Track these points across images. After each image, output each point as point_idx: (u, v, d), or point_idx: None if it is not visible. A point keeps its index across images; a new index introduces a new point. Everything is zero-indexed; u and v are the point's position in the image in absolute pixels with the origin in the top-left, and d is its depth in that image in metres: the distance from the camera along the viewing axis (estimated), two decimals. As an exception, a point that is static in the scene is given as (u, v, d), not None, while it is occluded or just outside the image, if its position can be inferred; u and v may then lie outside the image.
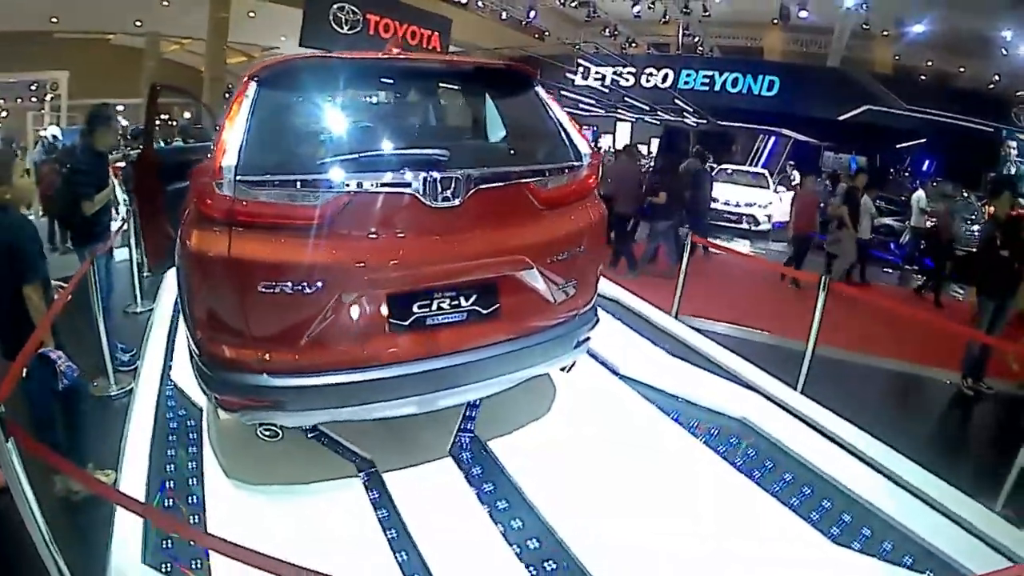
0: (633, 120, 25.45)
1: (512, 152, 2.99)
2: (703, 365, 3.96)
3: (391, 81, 3.19)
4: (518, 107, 3.04)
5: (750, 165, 18.61)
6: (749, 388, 3.63)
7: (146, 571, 2.17)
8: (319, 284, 2.26)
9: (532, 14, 21.07)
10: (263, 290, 2.23)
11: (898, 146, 20.93)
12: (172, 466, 2.76)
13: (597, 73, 23.32)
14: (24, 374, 2.86)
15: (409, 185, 2.33)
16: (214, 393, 2.48)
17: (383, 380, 2.41)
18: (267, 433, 2.63)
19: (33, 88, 22.46)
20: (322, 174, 2.30)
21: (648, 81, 22.70)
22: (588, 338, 3.00)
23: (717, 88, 21.24)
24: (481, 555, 2.32)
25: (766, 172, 14.37)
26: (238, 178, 2.22)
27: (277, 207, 2.26)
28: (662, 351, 4.16)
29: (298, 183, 2.27)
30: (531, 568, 2.25)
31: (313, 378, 2.36)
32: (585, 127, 28.84)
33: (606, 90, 23.20)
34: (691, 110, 21.98)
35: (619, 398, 3.51)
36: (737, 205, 12.38)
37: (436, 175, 2.35)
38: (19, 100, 22.96)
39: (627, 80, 22.84)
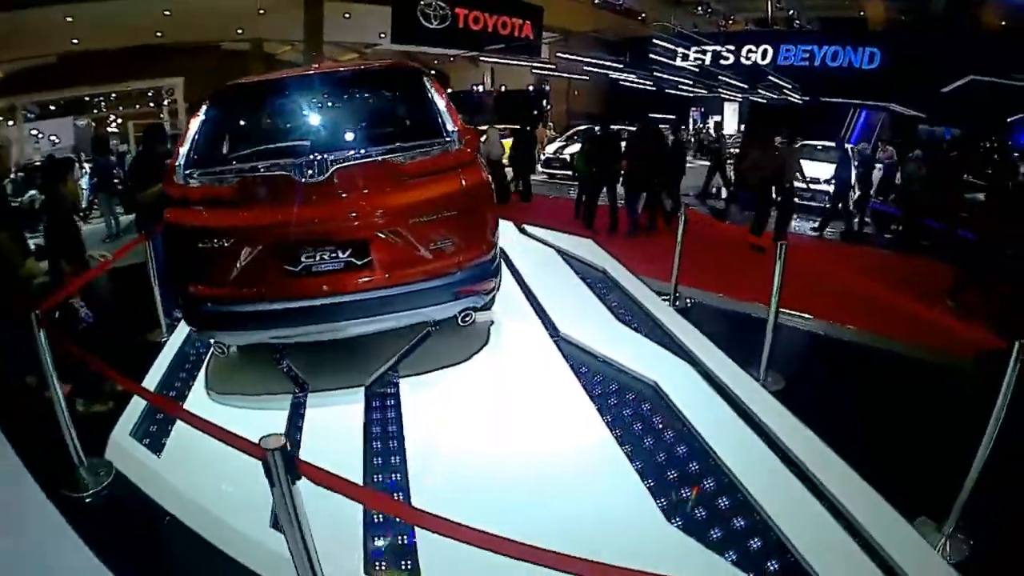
0: (739, 99, 24.57)
1: (377, 135, 3.54)
2: (655, 336, 4.16)
3: (299, 93, 3.91)
4: (401, 98, 3.78)
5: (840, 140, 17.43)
6: (690, 362, 3.74)
7: (132, 442, 3.33)
8: (231, 240, 3.15)
9: None
10: (200, 245, 3.18)
11: (1009, 119, 18.74)
12: (178, 378, 4.01)
13: (698, 52, 22.69)
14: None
15: (282, 168, 3.13)
16: (186, 321, 3.57)
17: (284, 311, 3.24)
18: (218, 349, 3.61)
19: (150, 95, 25.23)
20: (229, 165, 3.30)
21: (748, 58, 21.84)
22: (476, 292, 3.45)
23: (817, 63, 20.11)
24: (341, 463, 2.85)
25: (850, 147, 13.50)
26: (185, 171, 3.25)
27: (205, 189, 3.26)
28: (615, 318, 4.43)
29: (213, 172, 3.26)
30: (373, 476, 2.86)
31: (237, 307, 3.27)
32: (693, 108, 28.32)
33: (697, 70, 22.55)
34: (789, 87, 20.95)
35: (540, 353, 3.86)
36: (810, 181, 11.68)
37: (301, 159, 3.10)
38: (137, 107, 25.83)
39: (726, 59, 22.11)
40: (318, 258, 3.18)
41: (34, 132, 23.20)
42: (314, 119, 3.79)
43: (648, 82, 23.62)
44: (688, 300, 5.40)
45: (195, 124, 3.41)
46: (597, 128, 10.82)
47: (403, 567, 2.35)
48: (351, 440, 3.13)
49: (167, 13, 18.37)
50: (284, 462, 1.72)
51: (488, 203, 3.55)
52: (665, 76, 22.92)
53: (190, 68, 22.64)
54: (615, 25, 24.62)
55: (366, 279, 3.24)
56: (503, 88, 30.12)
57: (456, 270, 3.36)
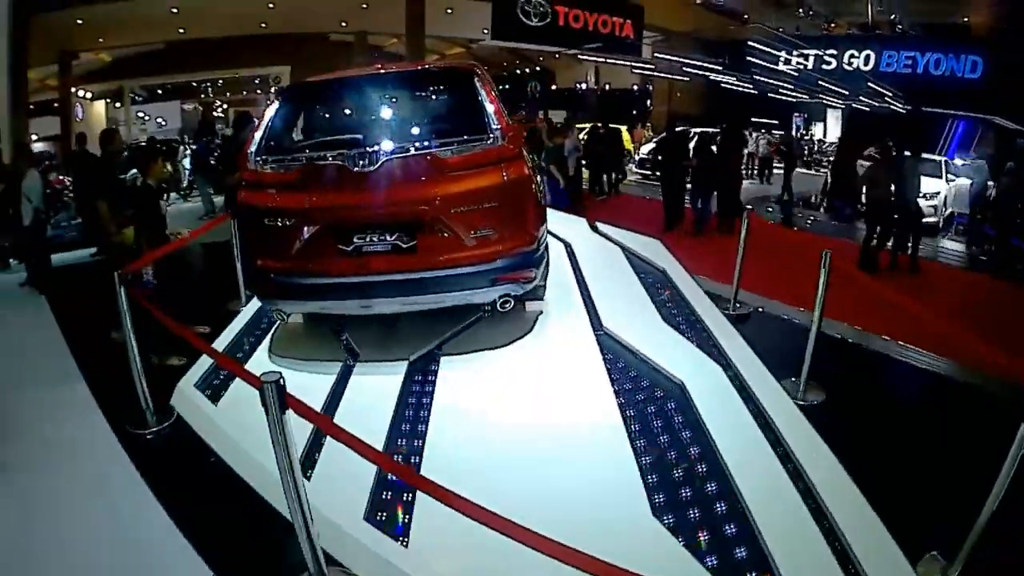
0: (841, 106, 23.25)
1: (427, 130, 3.74)
2: (696, 339, 4.11)
3: (359, 91, 4.22)
4: (452, 97, 4.01)
5: (938, 152, 16.12)
6: (724, 367, 3.69)
7: (195, 392, 3.73)
8: (293, 220, 3.49)
9: None
10: (266, 223, 3.54)
11: None
12: (247, 341, 4.42)
13: (799, 56, 21.66)
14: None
15: (338, 158, 3.41)
16: (253, 290, 3.97)
17: (337, 286, 3.56)
18: (279, 316, 3.93)
19: (256, 82, 26.70)
20: (292, 154, 3.61)
21: (850, 64, 20.60)
22: (516, 280, 3.58)
23: (920, 70, 18.72)
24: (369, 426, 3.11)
25: (943, 160, 12.51)
26: (256, 158, 3.60)
27: (272, 174, 3.59)
28: (661, 317, 4.40)
29: (280, 160, 3.59)
30: (394, 456, 2.98)
31: (295, 279, 3.59)
32: (796, 114, 27.05)
33: (796, 74, 21.50)
34: (890, 95, 19.60)
35: (579, 345, 3.91)
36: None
37: (355, 151, 3.38)
38: (244, 93, 27.42)
39: (829, 63, 20.96)
40: (368, 240, 3.47)
41: (140, 114, 25.25)
42: (370, 115, 4.08)
43: (748, 85, 22.77)
44: (750, 307, 5.25)
45: (268, 115, 3.78)
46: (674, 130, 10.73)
47: (399, 521, 2.53)
48: (384, 407, 3.35)
49: (271, 6, 19.24)
50: (277, 394, 1.97)
51: (529, 197, 3.67)
52: (765, 80, 21.99)
53: (297, 57, 23.59)
54: (716, 26, 23.82)
55: (410, 261, 3.48)
56: (607, 86, 29.94)
57: (496, 258, 3.52)
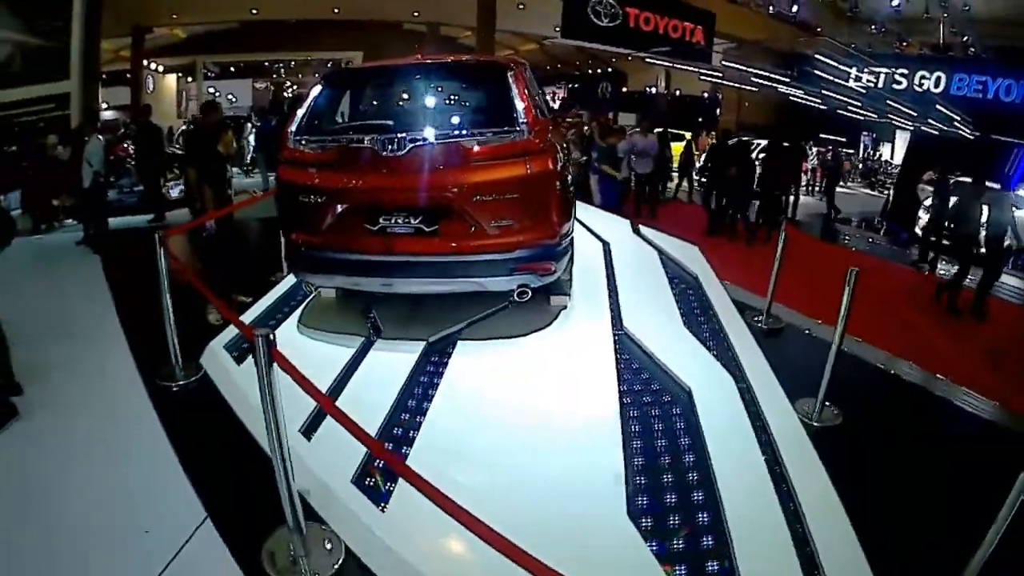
0: (910, 127, 22.18)
1: (455, 121, 3.83)
2: (714, 348, 4.07)
3: (397, 79, 4.41)
4: (484, 90, 4.05)
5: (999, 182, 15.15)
6: (736, 379, 3.63)
7: (224, 352, 3.97)
8: (324, 198, 3.66)
9: (795, 8, 19.71)
10: (300, 199, 3.74)
11: None
12: (280, 310, 4.65)
13: (869, 73, 20.78)
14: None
15: (367, 142, 3.58)
16: (286, 261, 4.17)
17: (361, 262, 3.72)
18: (308, 288, 4.19)
19: (329, 65, 27.24)
20: (328, 136, 3.78)
21: (920, 85, 19.65)
22: (533, 271, 3.65)
23: (990, 95, 17.67)
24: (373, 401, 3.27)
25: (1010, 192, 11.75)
26: (295, 137, 3.78)
27: (309, 153, 3.76)
28: (683, 323, 4.36)
29: (317, 140, 3.75)
30: (393, 430, 3.12)
31: (324, 254, 3.78)
32: (864, 132, 25.96)
33: (864, 91, 20.62)
34: (958, 119, 18.59)
35: (595, 342, 3.92)
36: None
37: (384, 136, 3.53)
38: (316, 75, 28.02)
39: (899, 83, 20.03)
40: (393, 221, 3.61)
41: (211, 90, 26.21)
42: (404, 103, 4.25)
43: (817, 99, 22.00)
44: (783, 322, 5.12)
45: (309, 98, 3.97)
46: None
47: (383, 489, 2.64)
48: (394, 382, 3.47)
49: (344, -8, 19.79)
50: (266, 347, 2.08)
51: (551, 191, 3.69)
52: (833, 95, 21.18)
53: (370, 43, 24.14)
54: (787, 36, 23.09)
55: (432, 245, 3.60)
56: (677, 92, 29.49)
57: (515, 248, 3.59)
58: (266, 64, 27.58)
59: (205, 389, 3.70)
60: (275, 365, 2.09)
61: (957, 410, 4.04)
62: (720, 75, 22.37)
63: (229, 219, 7.11)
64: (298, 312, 4.47)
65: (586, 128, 11.82)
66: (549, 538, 1.78)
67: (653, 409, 3.30)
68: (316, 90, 3.99)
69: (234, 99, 26.24)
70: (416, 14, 23.26)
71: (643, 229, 7.11)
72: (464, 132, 3.62)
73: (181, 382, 3.80)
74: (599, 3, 14.39)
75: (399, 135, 3.51)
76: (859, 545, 2.41)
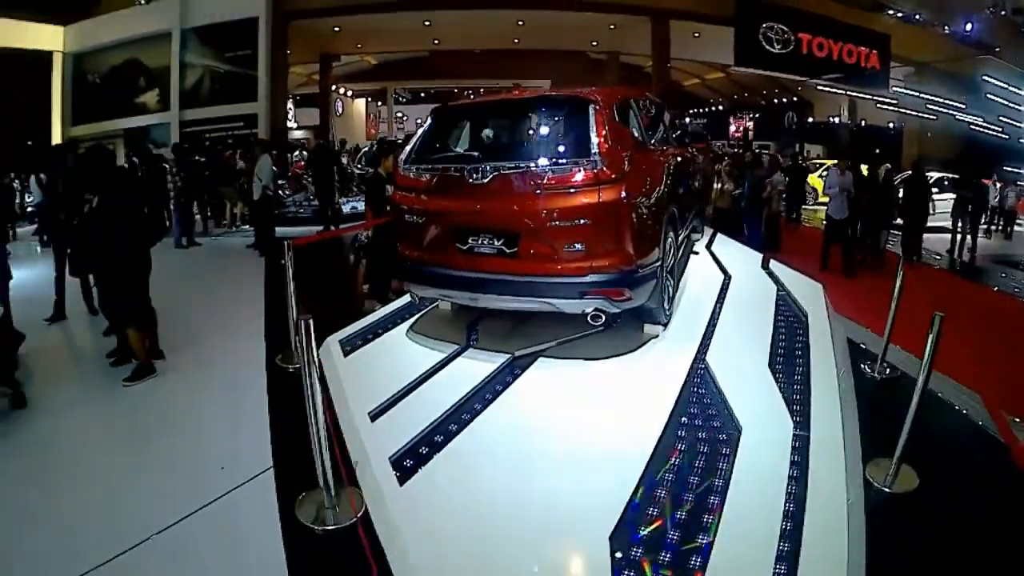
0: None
1: (535, 151, 4.17)
2: (790, 391, 3.81)
3: (489, 114, 4.98)
4: (565, 123, 4.26)
5: None
6: (799, 427, 3.37)
7: (337, 345, 4.67)
8: (424, 218, 4.23)
9: (969, 26, 17.34)
10: (406, 218, 4.35)
11: None
12: (399, 315, 5.30)
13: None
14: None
15: (457, 171, 4.07)
16: (395, 271, 4.79)
17: (451, 277, 4.18)
18: (413, 298, 4.81)
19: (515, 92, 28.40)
20: (427, 164, 4.31)
21: None
22: (605, 296, 3.84)
23: None
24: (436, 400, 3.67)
25: None
26: (404, 165, 4.40)
27: (414, 178, 4.33)
28: (768, 361, 4.19)
29: (418, 168, 4.31)
30: (448, 425, 3.43)
31: (423, 268, 4.31)
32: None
33: None
34: None
35: (669, 371, 3.96)
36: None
37: (471, 166, 3.99)
38: None
39: None
40: (479, 242, 4.04)
41: (399, 114, 28.55)
42: (492, 135, 4.73)
43: (996, 128, 18.95)
44: (900, 371, 4.45)
45: (419, 131, 4.60)
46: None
47: (412, 470, 3.02)
48: (464, 387, 3.82)
49: (521, 23, 20.78)
50: (305, 329, 2.59)
51: (625, 220, 3.85)
52: (1014, 123, 18.17)
53: (555, 72, 25.08)
54: (965, 58, 20.20)
55: (512, 265, 3.96)
56: (862, 123, 27.20)
57: (586, 273, 3.82)
58: (455, 91, 29.79)
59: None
60: (314, 344, 2.57)
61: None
62: (895, 102, 20.23)
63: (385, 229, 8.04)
64: (412, 320, 5.07)
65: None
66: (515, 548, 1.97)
67: (703, 446, 3.24)
68: (426, 123, 4.56)
69: (421, 123, 28.70)
70: (595, 43, 23.99)
71: (773, 264, 6.84)
72: (541, 162, 3.91)
73: (296, 365, 4.42)
74: (771, 29, 13.88)
75: (484, 165, 3.95)
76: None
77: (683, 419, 3.49)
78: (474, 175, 3.93)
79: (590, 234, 3.79)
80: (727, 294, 5.61)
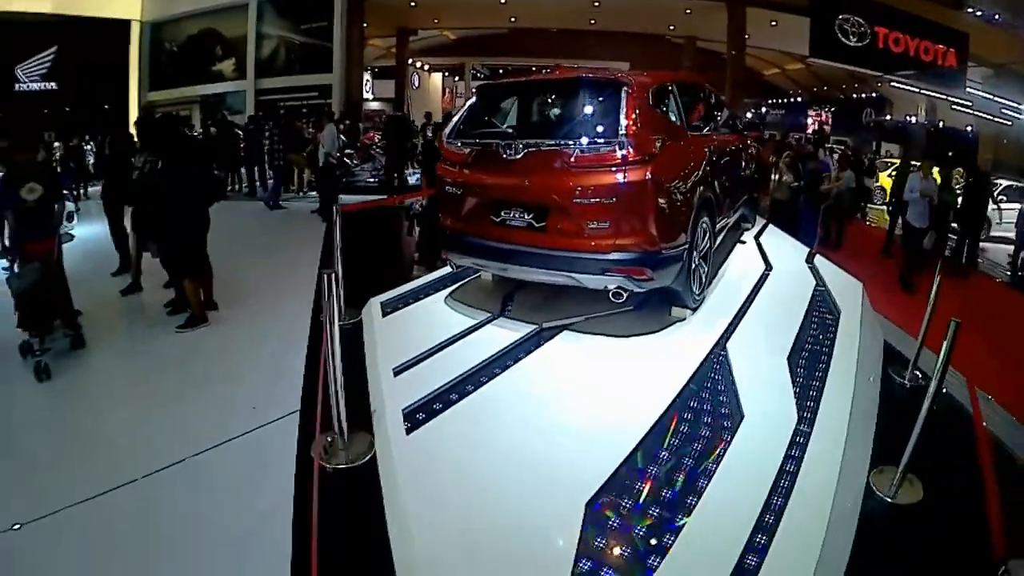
0: None
1: (567, 131, 4.24)
2: (804, 385, 3.77)
3: (527, 92, 5.07)
4: (599, 104, 4.28)
5: None
6: (801, 421, 3.36)
7: (378, 307, 4.96)
8: (462, 190, 4.44)
9: None
10: (447, 189, 4.55)
11: None
12: (441, 282, 5.48)
13: None
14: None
15: (495, 147, 4.21)
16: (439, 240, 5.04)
17: (485, 247, 4.38)
18: (452, 265, 4.98)
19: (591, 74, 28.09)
20: (467, 139, 4.50)
21: None
22: (626, 274, 3.94)
23: None
24: (454, 364, 3.89)
25: None
26: (448, 140, 4.60)
27: (456, 152, 4.54)
28: (788, 354, 4.13)
29: (460, 143, 4.51)
30: (465, 385, 3.65)
31: (460, 237, 4.53)
32: None
33: None
34: None
35: (686, 355, 3.98)
36: None
37: (506, 142, 4.15)
38: None
39: None
40: (511, 215, 4.21)
41: (474, 88, 28.79)
42: (529, 112, 4.86)
43: None
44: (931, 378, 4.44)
45: (464, 106, 4.88)
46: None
47: (421, 422, 3.27)
48: (486, 351, 4.04)
49: (596, 4, 20.61)
50: (329, 282, 2.89)
51: (649, 201, 3.92)
52: None
53: (633, 53, 25.00)
54: None
55: (540, 238, 4.12)
56: (940, 124, 25.68)
57: (610, 250, 3.94)
58: (533, 69, 29.89)
59: (354, 331, 4.66)
60: (335, 297, 2.93)
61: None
62: (969, 104, 18.98)
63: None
64: (452, 288, 5.30)
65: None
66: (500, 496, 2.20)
67: (703, 429, 3.29)
68: (471, 100, 4.75)
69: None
70: (672, 27, 23.51)
71: (818, 260, 6.70)
72: (571, 141, 4.03)
73: (340, 323, 4.77)
74: (847, 21, 13.35)
75: (517, 141, 4.11)
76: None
77: (691, 402, 3.54)
78: (508, 151, 4.10)
79: (614, 213, 3.89)
80: (764, 285, 5.55)
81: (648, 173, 3.89)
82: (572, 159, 3.97)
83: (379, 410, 3.35)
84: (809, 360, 4.22)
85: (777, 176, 9.99)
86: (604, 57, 25.81)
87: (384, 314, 4.82)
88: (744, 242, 7.04)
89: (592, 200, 3.91)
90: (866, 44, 13.85)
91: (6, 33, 19.82)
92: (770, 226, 8.19)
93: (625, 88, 4.08)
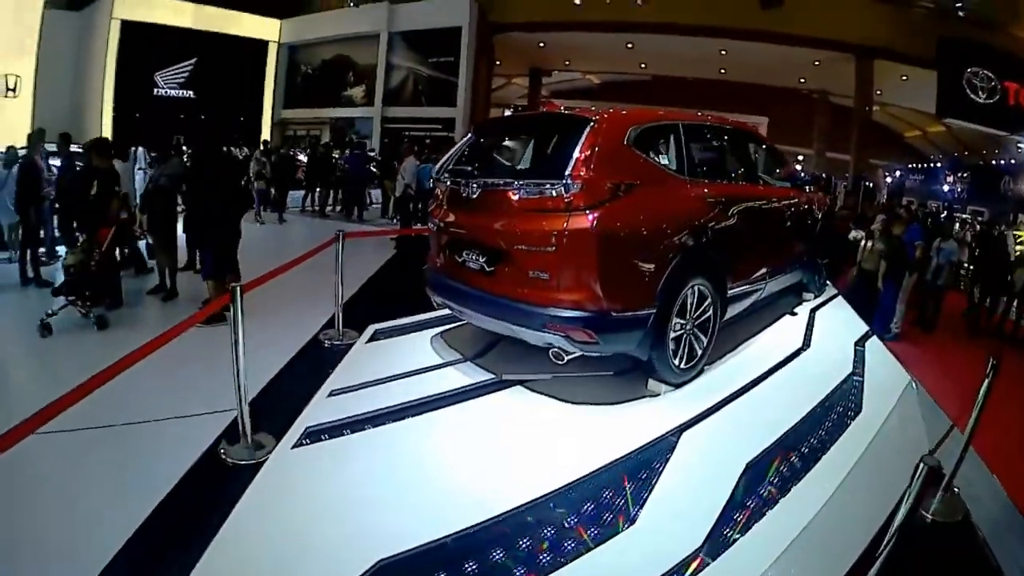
0: None
1: (518, 169, 4.32)
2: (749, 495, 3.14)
3: (501, 130, 5.09)
4: (556, 143, 4.12)
5: None
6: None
7: (370, 332, 5.25)
8: (437, 228, 4.45)
9: None
10: (431, 226, 4.57)
11: None
12: (437, 321, 5.52)
13: None
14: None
15: (458, 184, 4.22)
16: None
17: (452, 288, 4.27)
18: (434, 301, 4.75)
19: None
20: (443, 178, 4.47)
21: None
22: (563, 333, 3.58)
23: None
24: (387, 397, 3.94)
25: None
26: (436, 176, 4.60)
27: (440, 190, 4.61)
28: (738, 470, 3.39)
29: (443, 179, 4.47)
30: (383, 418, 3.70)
31: (434, 275, 4.50)
32: None
33: None
34: None
35: (630, 434, 3.58)
36: None
37: (464, 181, 4.14)
38: None
39: None
40: (469, 257, 4.09)
41: None
42: (495, 151, 4.78)
43: None
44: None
45: (457, 144, 4.82)
46: None
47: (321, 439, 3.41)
48: (419, 392, 4.03)
49: (723, 52, 20.23)
50: (237, 296, 3.22)
51: (593, 253, 3.53)
52: None
53: (767, 106, 24.54)
54: None
55: (489, 283, 3.94)
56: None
57: (548, 304, 3.58)
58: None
59: (340, 352, 4.83)
60: (240, 308, 3.24)
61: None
62: None
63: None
64: (448, 326, 5.33)
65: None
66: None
67: (590, 510, 2.92)
68: (464, 138, 4.81)
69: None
70: (802, 80, 22.70)
71: (874, 343, 5.82)
72: (518, 181, 3.91)
73: (335, 342, 5.10)
74: (975, 75, 12.19)
75: (474, 180, 4.07)
76: None
77: (595, 485, 3.10)
78: (466, 191, 4.08)
79: (553, 263, 3.56)
80: (786, 366, 4.83)
81: (593, 221, 3.50)
82: (518, 200, 3.80)
83: (296, 424, 3.53)
84: (777, 473, 3.39)
85: (868, 243, 9.22)
86: (740, 110, 24.50)
87: (369, 340, 5.02)
88: (795, 314, 6.31)
89: (533, 246, 3.63)
90: (996, 101, 12.52)
91: (149, 42, 22.40)
92: (838, 298, 7.46)
93: (589, 125, 3.72)
